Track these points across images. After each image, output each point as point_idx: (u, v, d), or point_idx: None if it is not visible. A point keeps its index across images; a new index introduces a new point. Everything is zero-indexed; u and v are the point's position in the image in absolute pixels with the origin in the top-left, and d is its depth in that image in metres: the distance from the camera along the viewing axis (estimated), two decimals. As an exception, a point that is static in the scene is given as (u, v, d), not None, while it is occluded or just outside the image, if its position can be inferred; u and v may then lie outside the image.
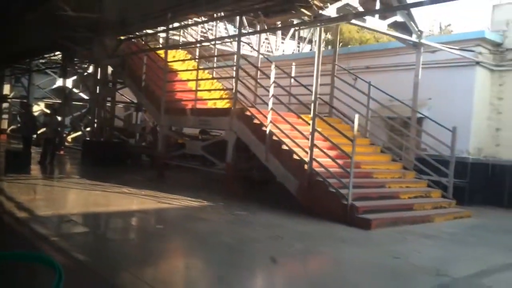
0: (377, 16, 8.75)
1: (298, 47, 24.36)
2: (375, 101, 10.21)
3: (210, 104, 12.51)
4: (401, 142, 10.25)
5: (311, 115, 8.08)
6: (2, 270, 2.04)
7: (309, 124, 8.15)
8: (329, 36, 25.83)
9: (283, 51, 21.31)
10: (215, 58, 14.90)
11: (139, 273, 4.25)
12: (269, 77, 9.06)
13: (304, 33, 23.85)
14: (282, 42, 21.81)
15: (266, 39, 21.45)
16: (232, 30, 19.38)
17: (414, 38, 9.48)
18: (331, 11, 7.89)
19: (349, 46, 24.33)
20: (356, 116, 7.60)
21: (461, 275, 4.95)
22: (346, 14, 7.95)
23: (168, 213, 7.32)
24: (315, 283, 4.50)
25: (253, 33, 11.96)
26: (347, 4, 8.16)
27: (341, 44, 28.81)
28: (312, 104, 8.00)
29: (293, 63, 12.44)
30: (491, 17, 10.80)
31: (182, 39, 16.75)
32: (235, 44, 17.17)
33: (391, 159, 9.99)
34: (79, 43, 13.77)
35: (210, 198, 8.56)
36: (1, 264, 1.88)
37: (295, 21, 11.34)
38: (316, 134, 8.00)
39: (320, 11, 7.76)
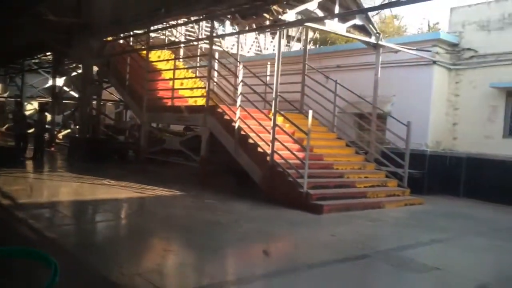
0: (336, 19, 9.48)
1: (288, 46, 25.03)
2: (343, 99, 10.97)
3: (191, 102, 13.24)
4: (368, 137, 11.01)
5: (274, 111, 8.82)
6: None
7: (271, 119, 8.89)
8: (317, 35, 26.63)
9: (273, 50, 22.01)
10: (198, 57, 15.62)
11: (100, 249, 5.00)
12: (237, 76, 9.79)
13: (293, 32, 24.54)
14: (271, 41, 22.50)
15: (256, 38, 22.20)
16: (221, 29, 20.07)
17: (373, 39, 10.22)
18: (290, 16, 8.63)
19: (336, 44, 25.16)
20: (310, 112, 8.36)
21: (384, 248, 5.71)
22: (303, 19, 8.68)
23: (139, 201, 8.06)
24: (250, 253, 5.26)
25: (223, 35, 12.67)
26: (306, 9, 8.89)
27: (329, 42, 29.60)
28: (273, 101, 8.73)
29: (269, 63, 13.18)
30: (449, 19, 11.53)
31: (167, 39, 17.47)
32: (223, 43, 18.02)
33: (354, 152, 10.75)
34: (65, 44, 14.47)
35: (184, 189, 9.31)
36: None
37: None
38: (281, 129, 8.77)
39: (280, 16, 8.49)
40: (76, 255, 4.60)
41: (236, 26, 13.37)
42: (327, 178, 9.06)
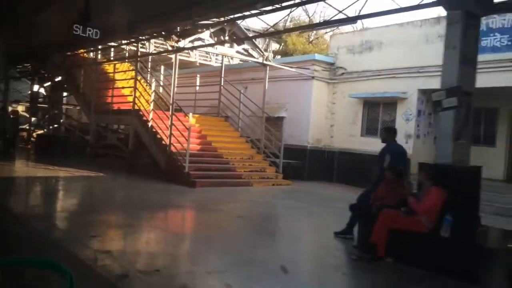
0: (227, 44, 12.58)
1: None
2: (255, 105, 14.04)
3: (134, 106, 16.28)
4: (269, 136, 14.01)
5: (171, 113, 11.89)
6: (11, 274, 1.96)
7: (178, 119, 11.96)
8: (276, 46, 29.89)
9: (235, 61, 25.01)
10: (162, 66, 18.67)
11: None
12: (149, 85, 12.88)
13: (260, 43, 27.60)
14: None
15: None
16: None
17: (260, 60, 13.33)
18: (186, 42, 11.73)
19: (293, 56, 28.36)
20: (190, 114, 11.45)
21: (217, 203, 8.74)
22: (194, 46, 11.80)
23: (65, 178, 11.10)
24: (127, 210, 8.32)
25: (147, 55, 15.76)
26: (198, 38, 12.00)
27: (292, 53, 32.73)
28: (171, 106, 11.81)
29: (198, 75, 16.28)
30: (329, 43, 14.66)
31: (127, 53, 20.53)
32: (191, 54, 21.06)
33: (250, 146, 13.81)
34: (37, 58, 17.57)
35: (108, 173, 12.32)
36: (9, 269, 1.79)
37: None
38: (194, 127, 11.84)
39: (176, 44, 11.59)
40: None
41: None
42: (213, 164, 12.10)
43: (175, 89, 12.31)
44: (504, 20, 10.56)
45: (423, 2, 6.31)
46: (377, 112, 13.41)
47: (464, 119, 5.51)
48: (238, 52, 12.96)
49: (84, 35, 8.41)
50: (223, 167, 12.13)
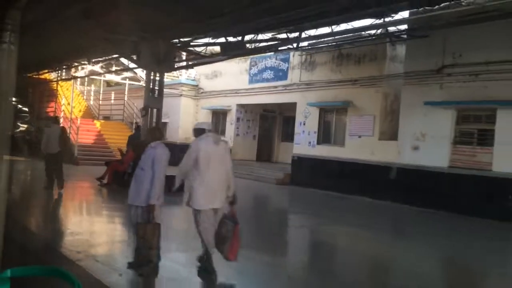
0: (114, 73, 18.96)
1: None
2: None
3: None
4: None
5: (70, 118, 18.25)
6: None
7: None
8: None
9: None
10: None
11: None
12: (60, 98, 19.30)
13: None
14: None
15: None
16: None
17: (141, 83, 19.67)
18: (81, 73, 18.14)
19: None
20: (95, 120, 17.80)
21: (75, 173, 15.03)
22: (92, 73, 18.22)
23: None
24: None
25: (78, 77, 22.21)
26: (92, 70, 18.42)
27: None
28: (70, 114, 18.17)
29: (112, 92, 22.73)
30: (196, 71, 20.99)
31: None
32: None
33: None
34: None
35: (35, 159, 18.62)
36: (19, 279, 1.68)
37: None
38: (100, 126, 18.15)
39: (75, 73, 18.04)
40: None
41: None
42: (99, 151, 18.37)
43: (100, 101, 18.67)
44: (273, 61, 16.82)
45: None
46: (218, 119, 19.68)
47: (148, 124, 11.77)
48: (123, 78, 19.36)
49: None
50: (106, 153, 18.41)
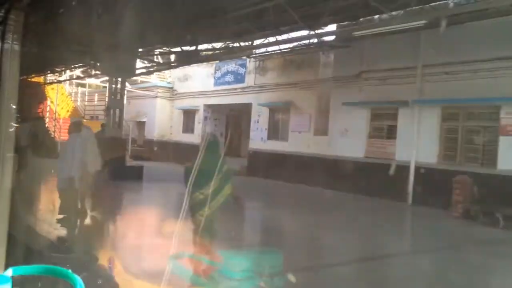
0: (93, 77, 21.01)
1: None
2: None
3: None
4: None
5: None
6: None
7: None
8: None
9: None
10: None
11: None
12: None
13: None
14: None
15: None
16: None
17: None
18: (65, 76, 20.21)
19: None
20: (75, 119, 19.91)
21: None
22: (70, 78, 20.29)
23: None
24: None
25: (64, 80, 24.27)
26: (72, 75, 20.48)
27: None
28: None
29: (96, 94, 24.77)
30: (171, 74, 23.01)
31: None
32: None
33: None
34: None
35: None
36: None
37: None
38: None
39: (60, 77, 20.12)
40: None
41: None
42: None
43: (86, 102, 20.71)
44: (233, 66, 18.82)
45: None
46: (188, 118, 21.73)
47: (111, 122, 13.81)
48: (102, 81, 21.41)
49: None
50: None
